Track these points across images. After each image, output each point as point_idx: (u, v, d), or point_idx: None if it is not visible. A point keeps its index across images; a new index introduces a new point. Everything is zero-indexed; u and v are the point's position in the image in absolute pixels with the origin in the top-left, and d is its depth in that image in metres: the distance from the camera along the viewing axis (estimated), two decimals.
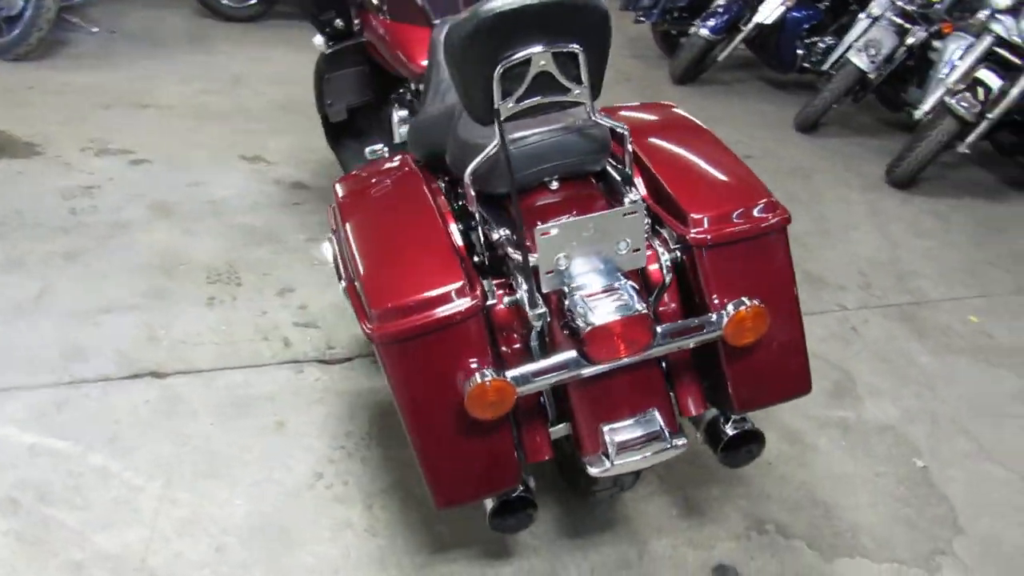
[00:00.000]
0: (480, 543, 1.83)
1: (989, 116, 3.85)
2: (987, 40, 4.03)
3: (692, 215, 1.57)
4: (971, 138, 3.92)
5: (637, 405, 1.53)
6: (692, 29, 5.39)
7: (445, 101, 2.03)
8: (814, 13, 5.54)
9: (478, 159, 1.54)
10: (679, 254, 1.57)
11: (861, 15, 5.01)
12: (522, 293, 1.47)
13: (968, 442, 2.30)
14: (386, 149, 2.78)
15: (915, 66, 4.77)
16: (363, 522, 1.86)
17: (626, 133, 1.61)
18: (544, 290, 1.46)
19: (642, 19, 6.02)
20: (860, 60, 4.60)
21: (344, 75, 2.72)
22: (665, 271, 1.55)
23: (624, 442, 1.49)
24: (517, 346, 1.57)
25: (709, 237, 1.55)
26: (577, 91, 1.50)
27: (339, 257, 1.76)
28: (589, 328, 1.39)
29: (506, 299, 1.52)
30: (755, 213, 1.58)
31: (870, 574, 1.86)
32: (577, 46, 1.45)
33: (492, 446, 1.50)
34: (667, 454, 1.51)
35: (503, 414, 1.43)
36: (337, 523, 1.86)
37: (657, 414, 1.52)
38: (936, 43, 4.67)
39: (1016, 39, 3.90)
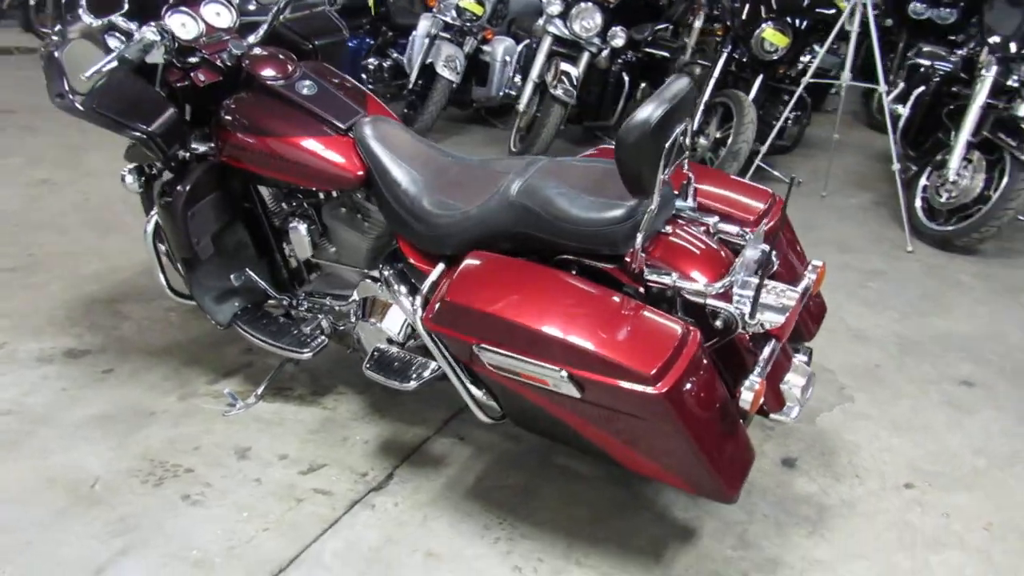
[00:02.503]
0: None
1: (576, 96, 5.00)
2: (548, 40, 5.13)
3: (750, 218, 2.12)
4: (565, 114, 5.04)
5: (788, 359, 2.07)
6: None
7: (454, 198, 2.14)
8: (363, 40, 6.14)
9: (644, 226, 1.84)
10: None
11: (414, 34, 5.75)
12: (733, 310, 1.86)
13: None
14: (248, 272, 2.64)
15: (473, 68, 5.74)
16: None
17: (691, 175, 2.07)
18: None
19: None
20: (448, 74, 5.38)
21: (205, 205, 2.45)
22: (775, 258, 2.07)
23: (801, 388, 2.02)
24: None
25: (773, 224, 2.13)
26: (687, 152, 1.92)
27: (510, 359, 1.86)
28: (784, 317, 1.87)
29: (717, 323, 1.90)
30: (774, 204, 2.21)
31: (860, 425, 2.69)
32: (688, 119, 1.87)
33: (740, 434, 1.90)
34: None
35: None
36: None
37: (797, 359, 2.08)
38: (485, 47, 5.69)
39: (568, 35, 5.06)
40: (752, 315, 1.85)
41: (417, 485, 2.31)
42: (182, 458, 2.38)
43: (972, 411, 2.76)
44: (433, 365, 2.28)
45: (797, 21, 4.46)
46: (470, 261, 2.01)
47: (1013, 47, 3.92)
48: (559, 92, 4.90)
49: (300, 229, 2.49)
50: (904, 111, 4.45)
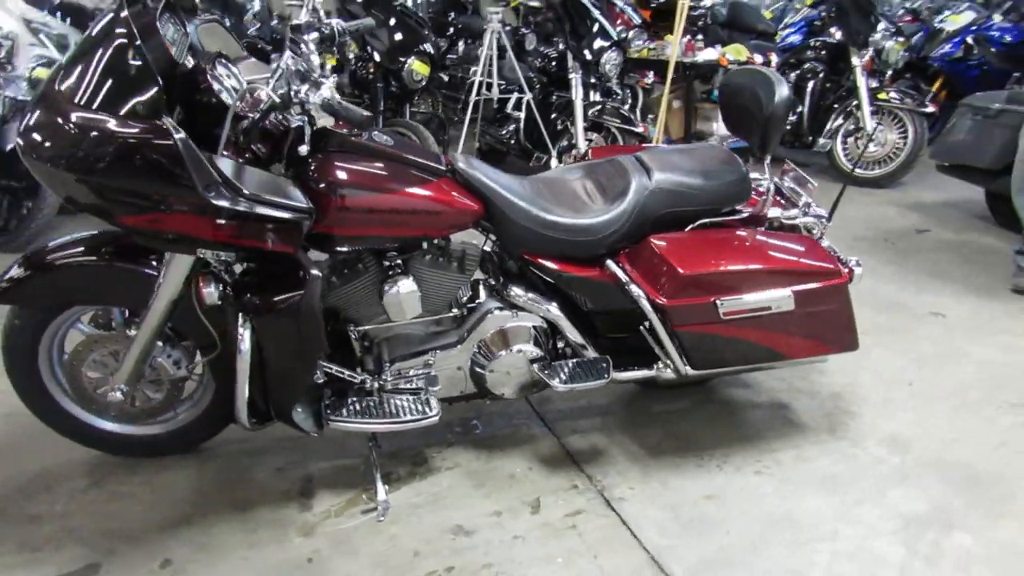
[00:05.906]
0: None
1: None
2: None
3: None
4: None
5: None
6: None
7: (593, 203, 2.39)
8: None
9: (772, 178, 2.47)
10: None
11: None
12: (815, 220, 2.60)
13: None
14: (322, 362, 2.38)
15: None
16: None
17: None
18: None
19: None
20: None
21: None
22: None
23: None
24: None
25: None
26: None
27: (746, 299, 2.32)
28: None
29: (815, 231, 2.60)
30: None
31: None
32: None
33: None
34: None
35: None
36: None
37: None
38: None
39: None
40: (830, 218, 2.63)
41: (617, 470, 2.46)
42: (416, 567, 2.07)
43: None
44: (596, 354, 2.47)
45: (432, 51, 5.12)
46: (659, 243, 2.33)
47: (589, 57, 5.30)
48: None
49: (410, 286, 2.29)
50: (520, 115, 5.52)
